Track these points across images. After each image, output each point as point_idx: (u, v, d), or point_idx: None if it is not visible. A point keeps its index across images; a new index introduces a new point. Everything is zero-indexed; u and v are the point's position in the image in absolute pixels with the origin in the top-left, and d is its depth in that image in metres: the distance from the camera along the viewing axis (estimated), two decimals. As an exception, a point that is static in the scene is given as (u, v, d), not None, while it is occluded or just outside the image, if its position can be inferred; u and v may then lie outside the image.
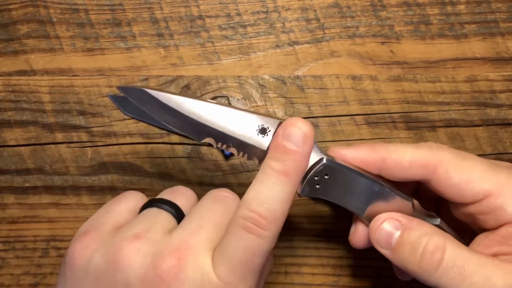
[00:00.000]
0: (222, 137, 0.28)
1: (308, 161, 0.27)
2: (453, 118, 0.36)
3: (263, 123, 0.27)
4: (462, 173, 0.26)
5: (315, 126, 0.36)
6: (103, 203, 0.36)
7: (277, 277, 0.36)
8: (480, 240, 0.27)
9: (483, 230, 0.27)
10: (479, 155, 0.36)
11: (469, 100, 0.36)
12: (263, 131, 0.28)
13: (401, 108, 0.36)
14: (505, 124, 0.36)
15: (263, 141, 0.27)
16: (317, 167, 0.28)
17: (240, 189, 0.31)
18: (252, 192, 0.26)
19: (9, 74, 0.37)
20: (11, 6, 0.37)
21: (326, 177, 0.28)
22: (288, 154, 0.25)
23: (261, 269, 0.26)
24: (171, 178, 0.36)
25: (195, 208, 0.28)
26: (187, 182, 0.36)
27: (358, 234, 0.29)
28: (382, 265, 0.36)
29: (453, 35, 0.36)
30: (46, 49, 0.37)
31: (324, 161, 0.28)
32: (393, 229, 0.27)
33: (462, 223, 0.29)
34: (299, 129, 0.26)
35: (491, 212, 0.26)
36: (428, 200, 0.31)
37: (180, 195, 0.30)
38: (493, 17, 0.36)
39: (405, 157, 0.27)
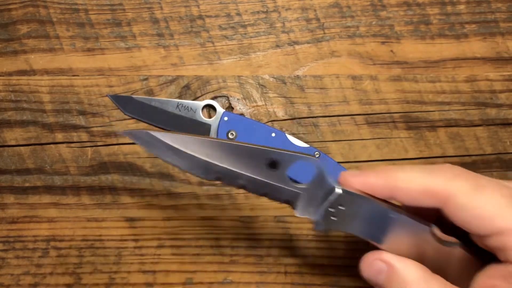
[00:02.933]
0: (231, 175, 0.27)
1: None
2: (453, 118, 0.36)
3: (271, 156, 0.27)
4: (474, 208, 0.25)
5: (315, 126, 0.36)
6: (103, 203, 0.36)
7: (277, 277, 0.36)
8: (488, 268, 0.26)
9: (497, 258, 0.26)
10: (479, 155, 0.36)
11: (469, 100, 0.36)
12: (273, 164, 0.27)
13: (401, 108, 0.36)
14: (505, 124, 0.36)
15: (274, 175, 0.27)
16: (331, 198, 0.27)
17: (240, 189, 0.31)
18: None
19: (9, 74, 0.37)
20: (11, 6, 0.37)
21: (341, 208, 0.27)
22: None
23: None
24: (171, 178, 0.36)
25: None
26: (187, 182, 0.36)
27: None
28: (382, 265, 0.36)
29: (453, 35, 0.36)
30: (46, 49, 0.37)
31: (339, 190, 0.26)
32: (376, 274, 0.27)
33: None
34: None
35: (502, 249, 0.25)
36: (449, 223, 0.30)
37: None
38: (493, 17, 0.36)
39: (415, 187, 0.26)
